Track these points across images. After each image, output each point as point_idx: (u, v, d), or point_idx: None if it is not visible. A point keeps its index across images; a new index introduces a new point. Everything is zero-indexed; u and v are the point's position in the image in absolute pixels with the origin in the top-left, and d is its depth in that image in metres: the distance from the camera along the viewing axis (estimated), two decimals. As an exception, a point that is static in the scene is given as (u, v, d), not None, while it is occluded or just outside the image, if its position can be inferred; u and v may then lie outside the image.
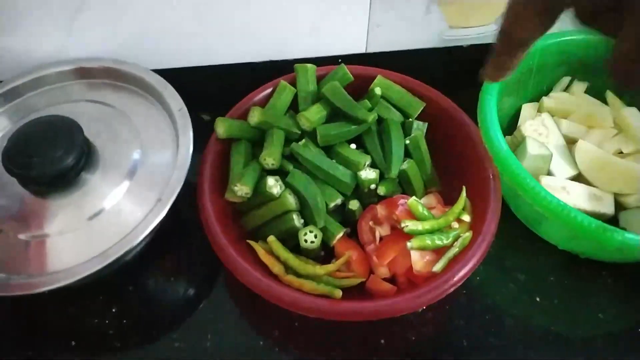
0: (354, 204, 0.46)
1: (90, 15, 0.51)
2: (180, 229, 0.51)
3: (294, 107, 0.51)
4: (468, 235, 0.42)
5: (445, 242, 0.42)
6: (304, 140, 0.47)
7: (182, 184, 0.42)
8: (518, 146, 0.52)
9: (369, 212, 0.47)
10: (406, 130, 0.50)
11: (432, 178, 0.50)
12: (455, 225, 0.44)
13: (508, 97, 0.54)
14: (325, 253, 0.46)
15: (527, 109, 0.57)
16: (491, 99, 0.50)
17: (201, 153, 0.46)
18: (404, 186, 0.48)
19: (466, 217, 0.44)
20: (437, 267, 0.41)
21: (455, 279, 0.38)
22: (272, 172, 0.46)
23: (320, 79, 0.52)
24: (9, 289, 0.39)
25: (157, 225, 0.41)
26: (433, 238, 0.42)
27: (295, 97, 0.51)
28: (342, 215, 0.47)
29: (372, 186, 0.46)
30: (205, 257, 0.46)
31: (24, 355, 0.44)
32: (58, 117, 0.44)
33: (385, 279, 0.44)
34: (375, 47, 0.60)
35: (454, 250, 0.42)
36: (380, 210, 0.46)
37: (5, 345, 0.45)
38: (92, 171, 0.44)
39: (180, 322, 0.46)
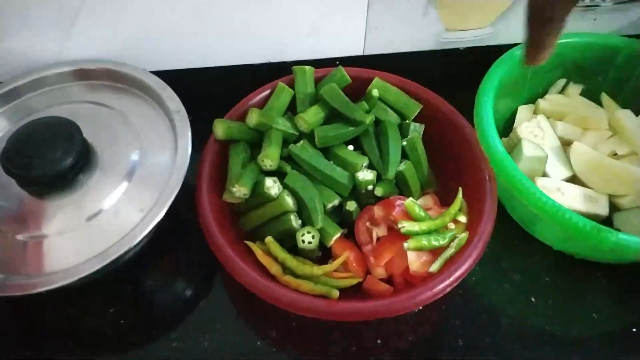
0: (351, 205, 0.47)
1: (90, 16, 0.51)
2: (178, 230, 0.52)
3: (292, 109, 0.51)
4: (464, 236, 0.43)
5: (441, 242, 0.42)
6: (301, 142, 0.48)
7: (180, 185, 0.43)
8: (514, 148, 0.53)
9: (366, 213, 0.47)
10: (403, 132, 0.50)
11: (428, 179, 0.50)
12: (452, 226, 0.44)
13: (504, 99, 0.55)
14: (322, 254, 0.46)
15: (523, 111, 0.58)
16: (487, 101, 0.50)
17: (200, 154, 0.46)
18: (401, 187, 0.49)
19: (462, 218, 0.45)
20: (434, 268, 0.41)
21: (452, 279, 0.39)
22: (270, 173, 0.46)
23: (318, 81, 0.52)
24: (7, 289, 0.39)
25: (156, 226, 0.41)
26: (429, 239, 0.42)
27: (294, 98, 0.51)
28: (340, 216, 0.48)
29: (370, 187, 0.46)
30: (204, 258, 0.47)
31: (23, 355, 0.44)
32: (57, 118, 0.44)
33: (382, 280, 0.44)
34: (373, 50, 0.60)
35: (450, 250, 0.42)
36: (378, 211, 0.46)
37: (5, 345, 0.45)
38: (90, 172, 0.44)
39: (178, 322, 0.46)
